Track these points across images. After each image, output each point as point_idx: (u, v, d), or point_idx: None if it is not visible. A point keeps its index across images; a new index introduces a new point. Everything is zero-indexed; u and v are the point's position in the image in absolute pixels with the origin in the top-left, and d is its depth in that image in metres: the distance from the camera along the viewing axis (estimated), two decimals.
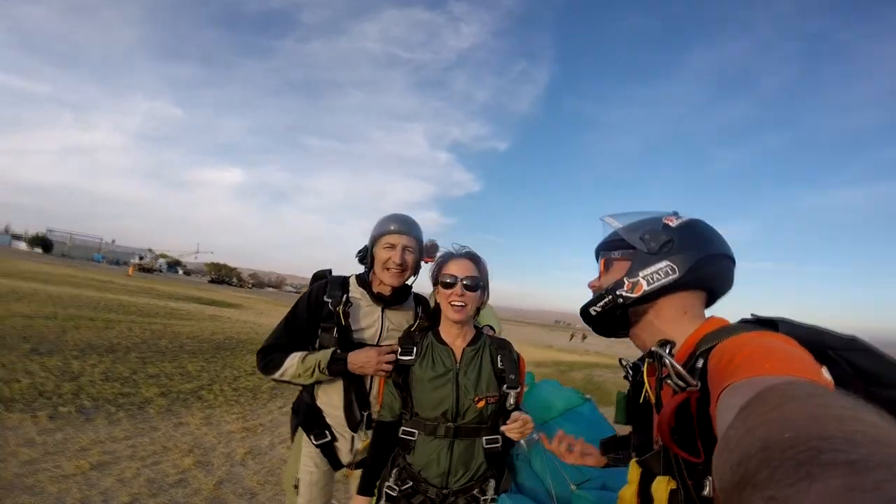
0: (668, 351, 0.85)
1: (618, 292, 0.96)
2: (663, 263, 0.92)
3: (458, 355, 1.53)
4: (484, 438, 1.51)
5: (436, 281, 1.56)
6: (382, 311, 1.80)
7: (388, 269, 1.72)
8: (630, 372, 1.04)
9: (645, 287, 0.93)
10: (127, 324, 9.89)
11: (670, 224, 0.95)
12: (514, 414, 1.41)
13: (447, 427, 1.46)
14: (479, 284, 1.51)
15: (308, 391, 1.82)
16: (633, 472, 0.95)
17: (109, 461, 3.38)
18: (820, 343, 0.73)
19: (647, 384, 0.94)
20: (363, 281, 1.82)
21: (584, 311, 1.03)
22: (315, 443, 1.78)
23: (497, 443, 1.53)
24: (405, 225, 1.76)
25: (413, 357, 1.53)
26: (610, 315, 0.99)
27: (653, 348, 0.88)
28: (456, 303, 1.48)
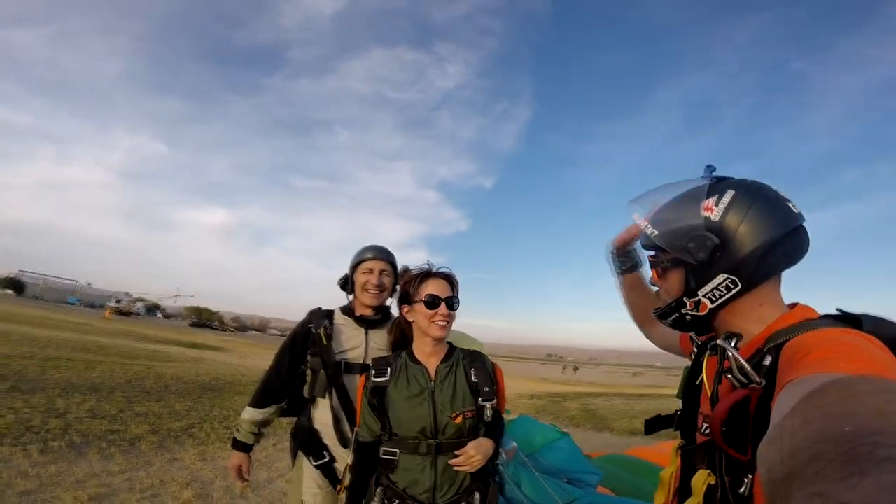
0: (733, 344, 0.77)
1: (682, 311, 0.87)
2: (721, 279, 0.80)
3: (433, 373, 1.52)
4: None
5: (408, 298, 1.55)
6: (366, 333, 1.92)
7: (367, 290, 1.90)
8: (696, 351, 0.97)
9: (710, 306, 0.83)
10: (108, 365, 9.63)
11: (712, 217, 0.81)
12: (468, 445, 1.43)
13: (428, 444, 1.44)
14: (457, 304, 1.56)
15: (306, 414, 1.89)
16: (675, 453, 0.93)
17: (108, 493, 3.29)
18: None
19: (703, 373, 0.88)
20: (346, 309, 1.98)
21: (659, 318, 0.94)
22: (314, 463, 1.82)
23: None
24: (380, 252, 1.97)
25: (388, 378, 1.50)
26: (684, 323, 0.90)
27: (718, 341, 0.79)
28: (440, 322, 1.50)
